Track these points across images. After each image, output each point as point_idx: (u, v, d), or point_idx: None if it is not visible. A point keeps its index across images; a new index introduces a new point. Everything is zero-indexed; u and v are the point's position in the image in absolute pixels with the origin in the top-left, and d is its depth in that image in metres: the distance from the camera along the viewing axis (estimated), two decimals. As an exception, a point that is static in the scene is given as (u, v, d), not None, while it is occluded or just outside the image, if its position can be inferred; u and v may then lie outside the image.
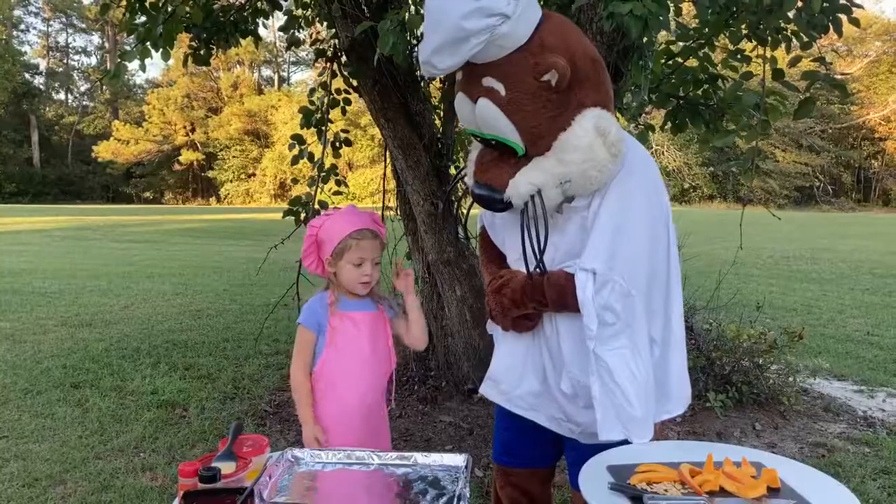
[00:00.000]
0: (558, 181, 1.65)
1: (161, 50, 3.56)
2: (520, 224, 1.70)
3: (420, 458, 1.66)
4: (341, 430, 2.07)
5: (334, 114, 4.50)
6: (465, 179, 1.85)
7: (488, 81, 1.63)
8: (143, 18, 3.72)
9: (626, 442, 1.75)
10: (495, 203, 1.72)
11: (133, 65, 3.57)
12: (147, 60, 3.54)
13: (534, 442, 2.01)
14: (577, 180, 1.65)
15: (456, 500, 1.45)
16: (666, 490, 1.46)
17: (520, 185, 1.66)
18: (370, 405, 2.13)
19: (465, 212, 4.28)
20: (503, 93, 1.62)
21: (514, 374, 1.93)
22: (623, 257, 1.68)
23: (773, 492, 1.46)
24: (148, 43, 3.50)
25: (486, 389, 2.02)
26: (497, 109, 1.63)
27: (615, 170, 1.67)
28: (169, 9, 3.52)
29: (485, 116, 1.66)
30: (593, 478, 1.53)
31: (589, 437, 1.85)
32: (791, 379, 4.60)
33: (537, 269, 1.73)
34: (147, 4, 3.70)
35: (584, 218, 1.73)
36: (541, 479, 2.13)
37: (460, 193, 4.54)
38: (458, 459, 1.64)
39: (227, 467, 1.52)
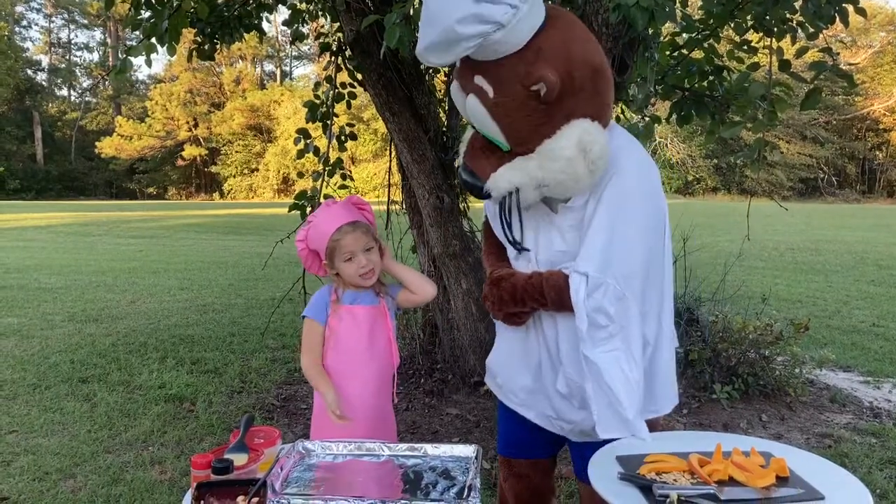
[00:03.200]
0: (536, 184, 1.67)
1: (166, 45, 3.56)
2: (497, 214, 1.80)
3: (430, 449, 1.67)
4: (342, 423, 2.08)
5: (338, 108, 4.51)
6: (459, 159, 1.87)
7: (479, 80, 1.64)
8: (148, 13, 3.72)
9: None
10: (476, 190, 1.76)
11: (137, 60, 3.57)
12: (152, 55, 3.55)
13: (534, 433, 2.02)
14: (553, 186, 1.67)
15: (466, 490, 1.46)
16: (675, 480, 1.47)
17: (499, 181, 1.69)
18: (372, 400, 2.14)
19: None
20: (491, 95, 1.62)
21: (509, 368, 1.98)
22: (618, 260, 1.68)
23: (781, 481, 1.47)
24: (153, 38, 3.50)
25: (487, 379, 2.12)
26: (484, 110, 1.65)
27: (591, 184, 1.68)
28: (174, 4, 3.51)
29: (473, 113, 1.69)
30: (603, 468, 1.54)
31: (579, 435, 1.89)
32: (797, 370, 4.61)
33: (520, 250, 1.83)
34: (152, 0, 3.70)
35: (580, 218, 1.75)
36: (543, 470, 2.15)
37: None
38: (468, 450, 1.65)
39: (239, 459, 1.54)
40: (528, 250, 1.82)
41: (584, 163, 1.62)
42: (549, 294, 1.75)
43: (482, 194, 1.75)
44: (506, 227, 1.80)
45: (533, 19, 1.57)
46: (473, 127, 1.79)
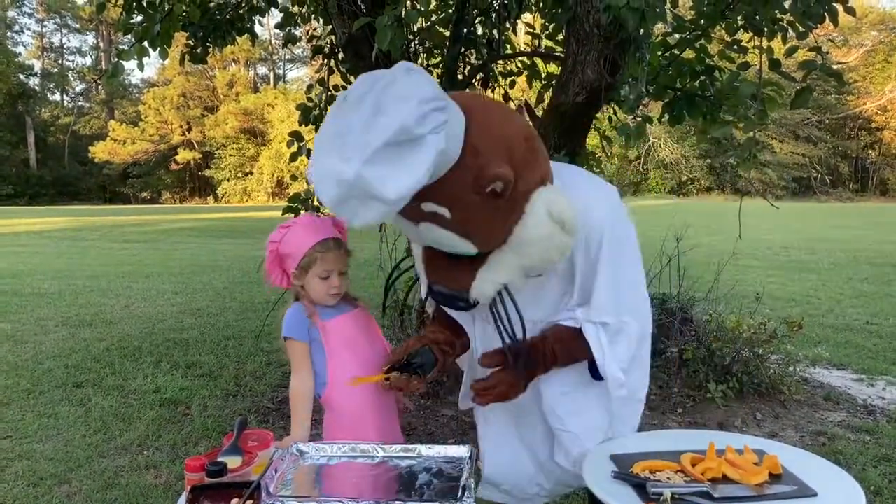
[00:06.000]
0: (522, 272, 1.59)
1: (159, 48, 3.56)
2: (492, 318, 1.66)
3: (424, 450, 1.67)
4: (359, 435, 2.06)
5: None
6: (418, 273, 1.80)
7: (429, 206, 1.44)
8: (140, 17, 3.72)
9: None
10: (458, 302, 1.63)
11: (129, 64, 3.58)
12: (144, 59, 3.55)
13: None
14: (539, 266, 1.60)
15: (460, 491, 1.46)
16: (669, 478, 1.47)
17: (485, 287, 1.58)
18: (382, 401, 2.13)
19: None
20: (449, 215, 1.45)
21: (514, 466, 1.97)
22: (627, 298, 1.73)
23: (774, 478, 1.47)
24: (145, 42, 3.50)
25: (487, 493, 2.04)
26: (447, 232, 1.49)
27: (573, 244, 1.60)
28: (166, 7, 3.52)
29: (433, 239, 1.54)
30: (597, 466, 1.55)
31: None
32: (791, 368, 4.62)
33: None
34: (144, 3, 3.70)
35: (561, 269, 1.72)
36: None
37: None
38: (462, 451, 1.65)
39: (233, 462, 1.54)
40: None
41: (562, 233, 1.53)
42: (562, 355, 1.75)
43: (467, 304, 1.62)
44: (504, 326, 1.64)
45: (457, 123, 1.40)
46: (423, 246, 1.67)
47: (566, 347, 1.73)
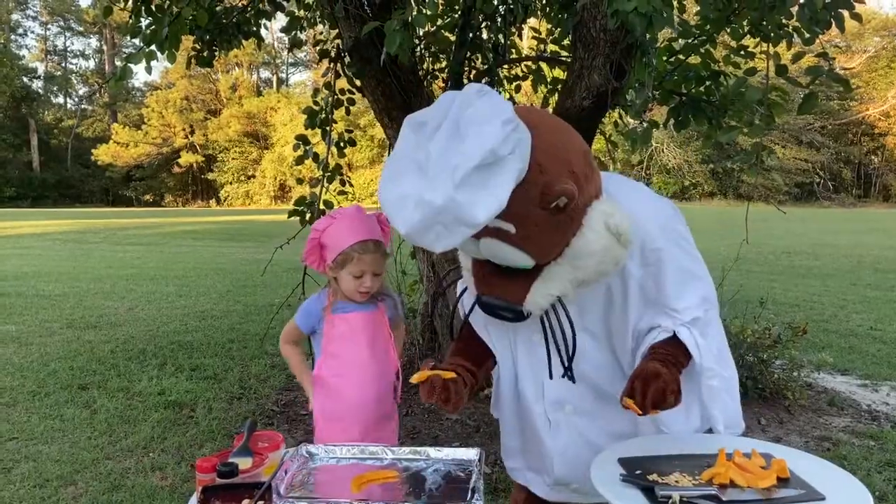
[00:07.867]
0: (575, 284, 1.59)
1: (166, 52, 3.57)
2: (542, 331, 1.65)
3: (433, 452, 1.68)
4: (342, 428, 2.09)
5: (337, 114, 4.52)
6: (461, 284, 1.75)
7: (495, 223, 1.44)
8: (148, 20, 3.74)
9: None
10: (508, 314, 1.61)
11: (136, 67, 3.59)
12: (151, 62, 3.56)
13: None
14: (592, 278, 1.59)
15: (469, 493, 1.47)
16: (677, 481, 1.48)
17: (539, 299, 1.57)
18: (372, 405, 2.14)
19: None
20: (514, 231, 1.47)
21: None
22: (704, 290, 1.73)
23: (782, 482, 1.48)
24: (153, 45, 3.52)
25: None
26: (510, 247, 1.50)
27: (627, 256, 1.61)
28: (174, 11, 3.53)
29: (494, 252, 1.53)
30: (605, 470, 1.55)
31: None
32: (795, 374, 4.62)
33: (565, 377, 1.70)
34: (153, 7, 3.72)
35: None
36: None
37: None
38: (470, 453, 1.66)
39: (244, 463, 1.54)
40: (573, 380, 1.71)
41: (619, 245, 1.55)
42: (682, 359, 1.69)
43: (519, 317, 1.60)
44: (554, 337, 1.64)
45: (527, 141, 1.42)
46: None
47: (679, 361, 1.68)
